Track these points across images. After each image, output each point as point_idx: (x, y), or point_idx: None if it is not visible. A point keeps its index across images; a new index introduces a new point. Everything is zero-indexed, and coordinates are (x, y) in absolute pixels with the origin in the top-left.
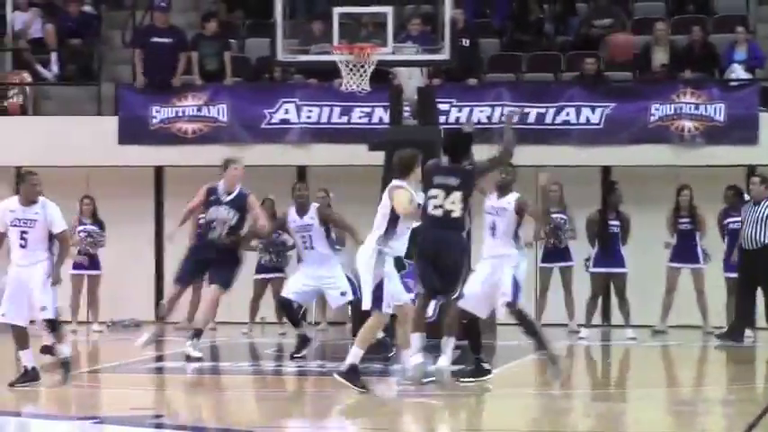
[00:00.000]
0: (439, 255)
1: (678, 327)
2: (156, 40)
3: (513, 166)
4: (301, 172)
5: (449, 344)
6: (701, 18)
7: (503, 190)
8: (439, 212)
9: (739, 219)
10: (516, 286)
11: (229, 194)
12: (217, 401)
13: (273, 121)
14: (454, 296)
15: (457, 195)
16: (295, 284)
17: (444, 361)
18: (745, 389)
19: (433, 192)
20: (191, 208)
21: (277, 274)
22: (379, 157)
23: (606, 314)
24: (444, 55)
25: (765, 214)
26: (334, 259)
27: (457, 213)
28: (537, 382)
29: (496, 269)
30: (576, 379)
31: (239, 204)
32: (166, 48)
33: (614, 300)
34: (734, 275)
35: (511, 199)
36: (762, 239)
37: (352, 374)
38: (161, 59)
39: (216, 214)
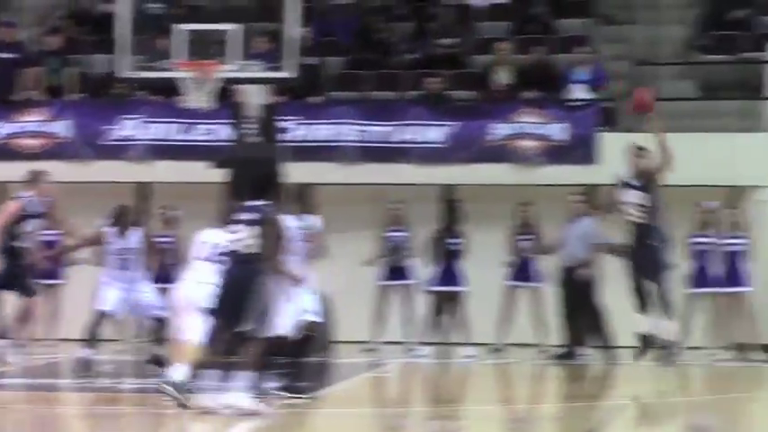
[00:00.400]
0: (240, 290)
1: (516, 345)
2: None
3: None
4: (144, 188)
5: (243, 379)
6: (543, 38)
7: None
8: (239, 246)
9: None
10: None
11: (43, 207)
12: (42, 419)
13: (116, 137)
14: (255, 332)
15: (257, 231)
16: (112, 297)
17: (237, 399)
18: (579, 406)
19: (234, 227)
20: (2, 225)
21: None
22: (222, 175)
23: (445, 332)
24: (289, 73)
25: (584, 231)
26: (145, 280)
27: (254, 248)
28: (372, 400)
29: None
30: (412, 396)
31: (50, 215)
32: (9, 63)
33: (453, 317)
34: None
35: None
36: (580, 254)
37: None
38: (4, 75)
39: (33, 227)
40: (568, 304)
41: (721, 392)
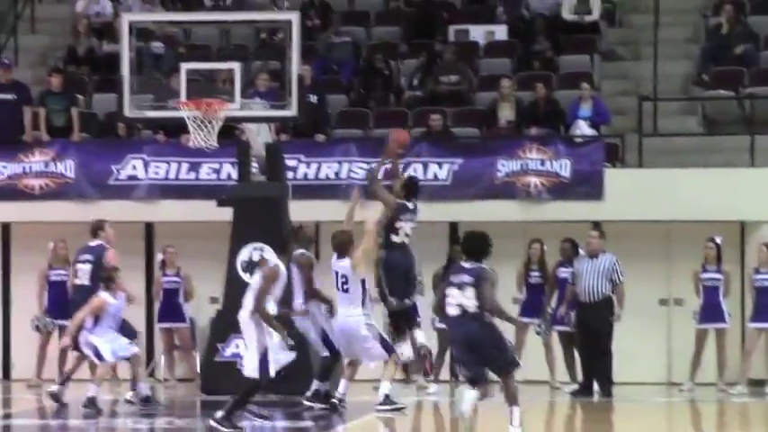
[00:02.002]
0: (476, 344)
1: (526, 382)
2: None
3: None
4: (149, 228)
5: None
6: (546, 75)
7: None
8: (457, 310)
9: (570, 270)
10: None
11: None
12: None
13: (121, 177)
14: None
15: (472, 292)
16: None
17: None
18: None
19: (449, 290)
20: None
21: None
22: (227, 213)
23: (453, 369)
24: (292, 111)
25: (605, 267)
26: None
27: (473, 308)
28: None
29: None
30: None
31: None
32: (10, 104)
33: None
34: (563, 329)
35: None
36: (601, 292)
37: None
38: (5, 115)
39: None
40: (587, 340)
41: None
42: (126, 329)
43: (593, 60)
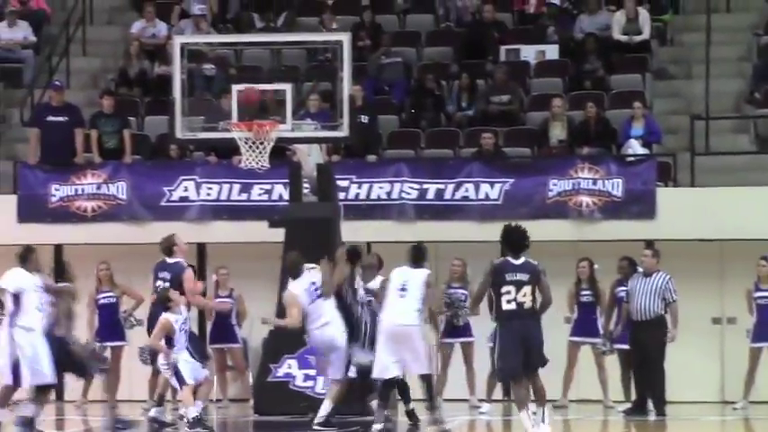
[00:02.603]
0: (528, 340)
1: (579, 401)
2: (51, 118)
3: None
4: (201, 249)
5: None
6: (598, 94)
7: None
8: (513, 306)
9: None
10: None
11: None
12: None
13: (173, 198)
14: None
15: (529, 288)
16: None
17: None
18: None
19: (505, 288)
20: None
21: None
22: (278, 234)
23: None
24: (343, 132)
25: (658, 286)
26: None
27: (528, 304)
28: None
29: None
30: None
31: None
32: (62, 126)
33: None
34: (623, 347)
35: None
36: (654, 310)
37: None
38: (57, 138)
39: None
40: (642, 358)
41: None
42: (200, 352)
43: (644, 79)
